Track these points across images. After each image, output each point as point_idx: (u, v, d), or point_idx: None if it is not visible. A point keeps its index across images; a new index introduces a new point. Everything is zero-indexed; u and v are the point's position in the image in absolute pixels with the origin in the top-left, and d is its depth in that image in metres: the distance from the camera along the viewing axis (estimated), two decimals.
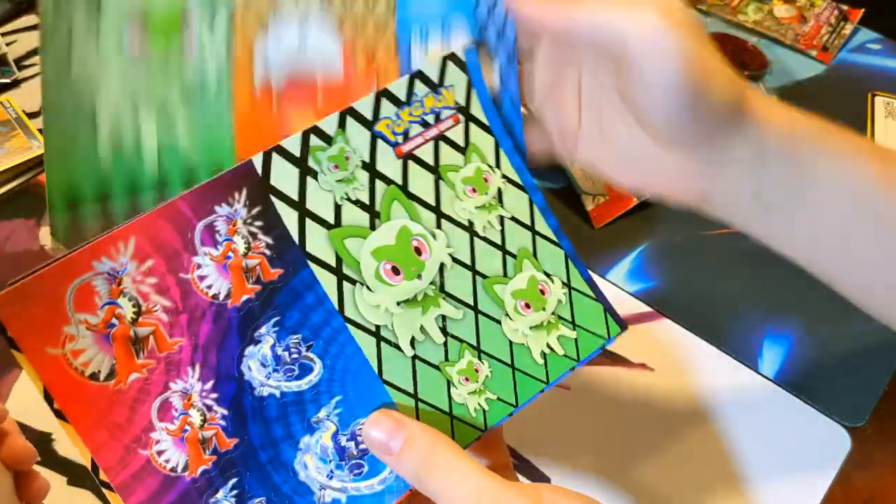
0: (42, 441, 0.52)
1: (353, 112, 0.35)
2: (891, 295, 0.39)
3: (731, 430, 0.55)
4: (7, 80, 0.76)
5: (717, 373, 0.58)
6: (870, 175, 0.36)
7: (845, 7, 0.89)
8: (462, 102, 0.37)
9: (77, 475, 0.51)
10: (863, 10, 0.89)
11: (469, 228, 0.36)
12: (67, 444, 0.52)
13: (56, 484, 0.50)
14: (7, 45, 0.77)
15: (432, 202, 0.36)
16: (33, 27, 0.83)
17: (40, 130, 0.70)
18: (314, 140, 0.34)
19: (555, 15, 0.34)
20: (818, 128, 0.36)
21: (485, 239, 0.37)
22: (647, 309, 0.61)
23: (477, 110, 0.37)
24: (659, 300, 0.62)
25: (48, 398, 0.30)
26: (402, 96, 0.36)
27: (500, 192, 0.37)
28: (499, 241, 0.37)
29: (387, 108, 0.35)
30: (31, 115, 0.73)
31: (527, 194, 0.38)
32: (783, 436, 0.54)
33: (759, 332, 0.60)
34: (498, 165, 0.37)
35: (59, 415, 0.31)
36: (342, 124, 0.34)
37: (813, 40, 0.86)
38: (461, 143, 0.37)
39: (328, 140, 0.34)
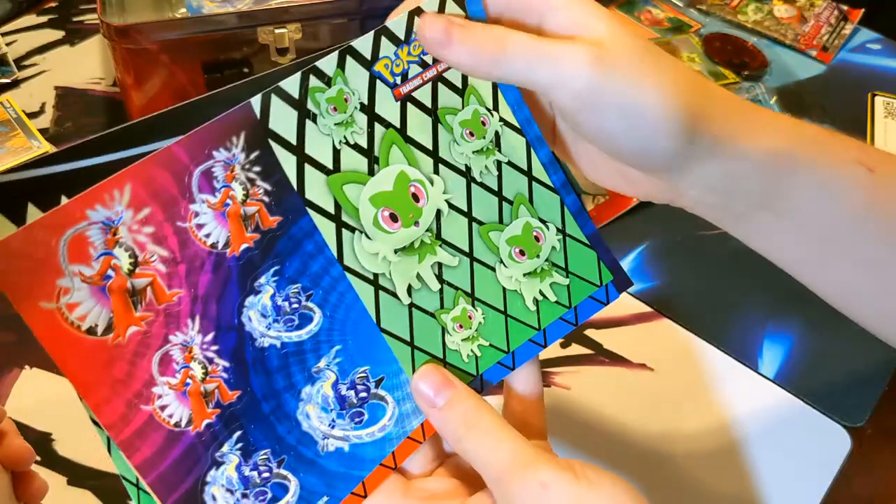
0: (42, 441, 0.52)
1: (352, 51, 0.33)
2: (873, 307, 0.39)
3: (730, 430, 0.55)
4: (7, 80, 0.76)
5: (717, 373, 0.58)
6: (853, 193, 0.35)
7: (845, 7, 0.89)
8: None
9: (77, 475, 0.51)
10: (863, 10, 0.89)
11: (466, 174, 0.36)
12: (67, 444, 0.52)
13: (56, 484, 0.50)
14: (7, 45, 0.77)
15: (430, 146, 0.35)
16: (33, 27, 0.83)
17: (40, 130, 0.70)
18: (313, 80, 0.32)
19: (484, 68, 0.32)
20: (797, 142, 0.35)
21: (482, 185, 0.36)
22: (647, 309, 0.61)
23: None
24: (659, 300, 0.62)
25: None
26: (401, 34, 0.34)
27: (497, 135, 0.36)
28: (495, 187, 0.36)
29: (386, 46, 0.34)
30: (31, 115, 0.73)
31: (524, 137, 0.36)
32: (783, 436, 0.54)
33: (759, 332, 0.60)
34: (496, 108, 0.36)
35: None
36: (341, 64, 0.33)
37: (813, 40, 0.86)
38: (459, 84, 0.35)
39: (327, 81, 0.33)
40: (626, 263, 0.64)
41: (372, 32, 0.34)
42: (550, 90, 0.32)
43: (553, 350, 0.58)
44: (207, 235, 0.31)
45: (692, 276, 0.64)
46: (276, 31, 0.68)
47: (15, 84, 0.77)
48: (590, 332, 0.59)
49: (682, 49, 0.84)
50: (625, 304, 0.62)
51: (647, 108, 0.31)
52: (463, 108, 0.35)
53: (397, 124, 0.34)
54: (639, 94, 0.31)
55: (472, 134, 0.36)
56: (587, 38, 0.31)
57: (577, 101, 0.31)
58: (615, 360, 0.58)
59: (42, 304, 0.28)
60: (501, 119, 0.36)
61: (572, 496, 0.30)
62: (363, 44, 0.33)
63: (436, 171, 0.35)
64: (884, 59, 0.85)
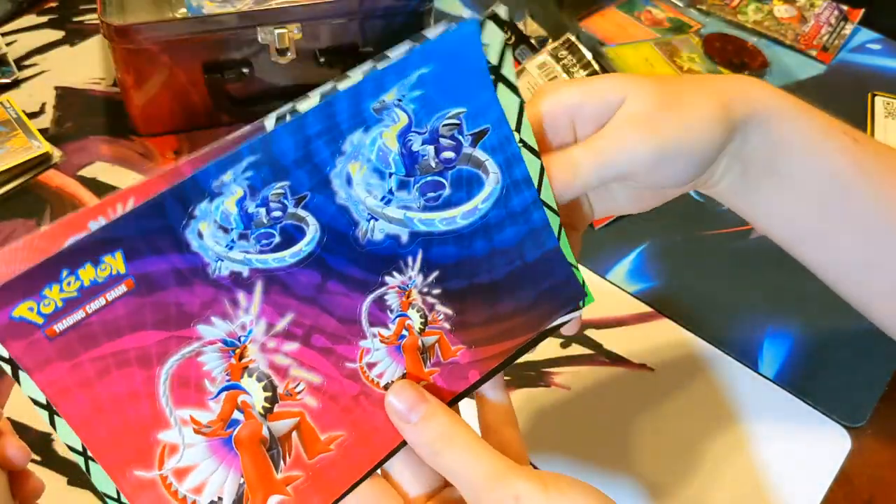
0: (42, 441, 0.52)
1: None
2: (862, 279, 0.40)
3: (730, 430, 0.54)
4: (7, 80, 0.76)
5: (717, 373, 0.58)
6: (841, 157, 0.39)
7: (845, 7, 0.89)
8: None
9: (77, 475, 0.51)
10: (863, 10, 0.89)
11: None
12: None
13: (56, 484, 0.50)
14: (7, 45, 0.77)
15: None
16: (33, 27, 0.83)
17: (40, 130, 0.70)
18: None
19: (570, 191, 0.36)
20: (796, 110, 0.39)
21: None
22: (647, 309, 0.61)
23: None
24: (659, 300, 0.62)
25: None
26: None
27: None
28: None
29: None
30: (31, 115, 0.73)
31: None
32: (783, 436, 0.54)
33: (759, 332, 0.60)
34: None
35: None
36: None
37: (813, 40, 0.86)
38: None
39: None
40: (627, 263, 0.64)
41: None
42: (626, 177, 0.37)
43: (553, 350, 0.58)
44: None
45: (692, 276, 0.64)
46: (276, 31, 0.68)
47: (15, 84, 0.77)
48: (590, 332, 0.59)
49: (682, 49, 0.84)
50: (625, 304, 0.62)
51: (698, 143, 0.36)
52: None
53: None
54: (687, 129, 0.36)
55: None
56: (622, 115, 0.36)
57: (646, 166, 0.36)
58: (615, 360, 0.58)
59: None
60: None
61: None
62: None
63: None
64: (884, 59, 0.85)
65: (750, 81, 0.39)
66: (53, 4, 0.86)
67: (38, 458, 0.51)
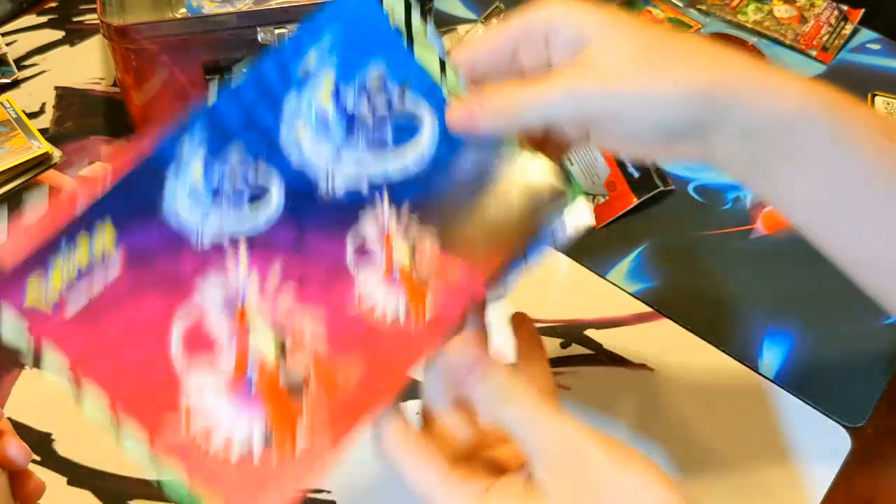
0: (42, 441, 0.52)
1: None
2: (880, 266, 0.39)
3: (731, 430, 0.54)
4: (7, 80, 0.76)
5: (717, 373, 0.58)
6: (865, 147, 0.36)
7: (845, 7, 0.89)
8: None
9: (77, 475, 0.51)
10: (863, 10, 0.89)
11: None
12: (67, 444, 0.52)
13: (56, 484, 0.50)
14: (7, 45, 0.77)
15: None
16: (33, 27, 0.83)
17: (40, 130, 0.70)
18: None
19: (510, 125, 0.35)
20: (810, 96, 0.36)
21: None
22: (647, 309, 0.61)
23: None
24: (659, 300, 0.62)
25: None
26: None
27: None
28: None
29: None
30: (31, 115, 0.73)
31: None
32: (783, 436, 0.54)
33: (759, 332, 0.60)
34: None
35: None
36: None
37: (813, 40, 0.86)
38: None
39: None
40: (627, 263, 0.64)
41: None
42: (571, 123, 0.36)
43: (553, 350, 0.58)
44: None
45: (692, 276, 0.64)
46: (276, 31, 0.68)
47: (15, 84, 0.77)
48: (590, 333, 0.59)
49: None
50: (625, 304, 0.62)
51: (658, 103, 0.34)
52: None
53: None
54: (647, 93, 0.34)
55: None
56: (585, 58, 0.34)
57: (595, 121, 0.35)
58: (615, 360, 0.58)
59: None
60: None
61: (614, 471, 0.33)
62: None
63: None
64: (884, 59, 0.85)
65: (771, 75, 0.36)
66: (53, 4, 0.86)
67: (38, 458, 0.51)
